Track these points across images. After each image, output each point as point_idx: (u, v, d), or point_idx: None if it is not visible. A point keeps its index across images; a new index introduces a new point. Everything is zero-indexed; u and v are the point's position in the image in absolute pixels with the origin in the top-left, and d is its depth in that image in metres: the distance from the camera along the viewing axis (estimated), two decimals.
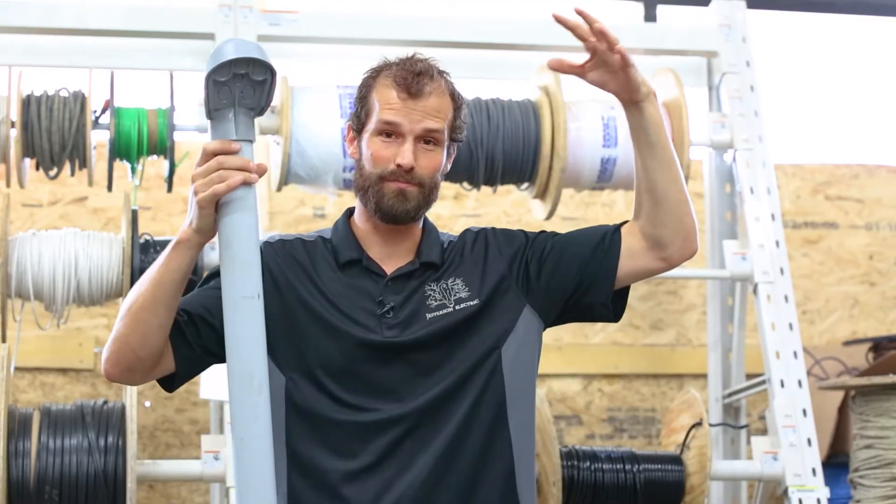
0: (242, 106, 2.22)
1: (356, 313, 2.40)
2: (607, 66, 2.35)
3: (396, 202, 2.40)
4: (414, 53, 2.46)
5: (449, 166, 2.49)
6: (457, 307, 2.41)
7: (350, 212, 2.52)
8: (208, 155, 2.24)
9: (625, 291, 2.49)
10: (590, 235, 2.48)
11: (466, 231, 2.54)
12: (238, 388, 2.18)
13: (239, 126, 2.22)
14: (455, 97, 2.46)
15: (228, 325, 2.19)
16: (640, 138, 2.39)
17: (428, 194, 2.43)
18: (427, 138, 2.40)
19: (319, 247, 2.47)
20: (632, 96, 2.37)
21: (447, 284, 2.43)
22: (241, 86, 2.20)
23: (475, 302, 2.42)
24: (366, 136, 2.43)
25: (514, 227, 5.60)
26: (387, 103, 2.40)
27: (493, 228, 2.54)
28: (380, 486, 2.34)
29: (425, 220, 2.51)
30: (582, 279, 2.45)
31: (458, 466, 2.36)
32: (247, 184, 2.22)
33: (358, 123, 2.45)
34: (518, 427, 2.42)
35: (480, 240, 2.51)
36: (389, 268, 2.44)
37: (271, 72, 2.22)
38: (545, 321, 2.48)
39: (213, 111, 2.22)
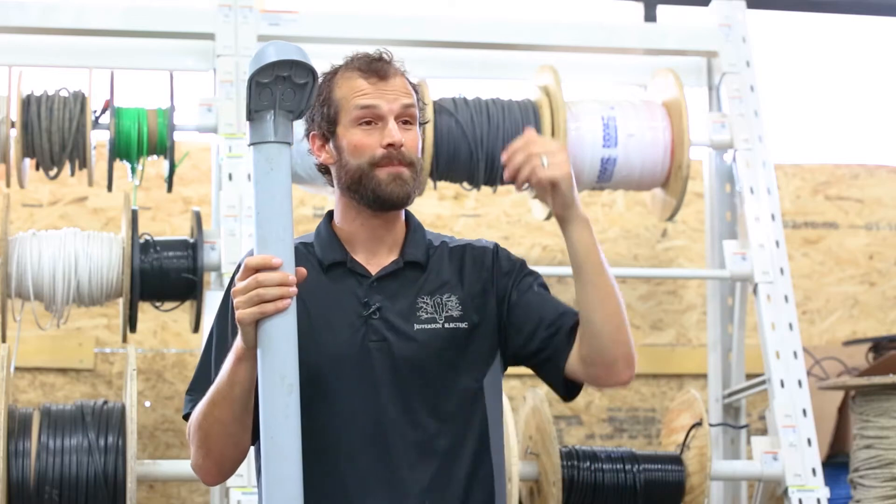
0: (282, 108, 2.23)
1: (339, 320, 2.37)
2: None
3: (395, 186, 2.37)
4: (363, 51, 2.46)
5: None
6: (446, 325, 2.38)
7: (330, 215, 2.48)
8: (249, 270, 2.20)
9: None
10: (549, 326, 2.41)
11: (470, 246, 2.48)
12: (270, 387, 2.20)
13: (278, 128, 2.23)
14: (410, 81, 2.45)
15: (261, 327, 2.21)
16: (571, 263, 2.33)
17: (418, 174, 2.40)
18: (405, 117, 2.39)
19: (301, 254, 2.42)
20: (559, 213, 2.32)
21: (441, 300, 2.40)
22: (283, 88, 2.21)
23: (464, 325, 2.39)
24: (342, 132, 2.40)
25: (514, 228, 5.62)
26: (358, 91, 2.38)
27: (499, 253, 2.48)
28: None
29: (410, 216, 2.48)
30: (535, 361, 2.42)
31: (447, 495, 2.34)
32: (287, 297, 2.20)
33: (327, 126, 2.41)
34: (497, 454, 2.41)
35: (487, 262, 2.46)
36: (374, 268, 2.41)
37: (313, 75, 2.22)
38: (503, 364, 2.47)
39: (254, 113, 2.22)
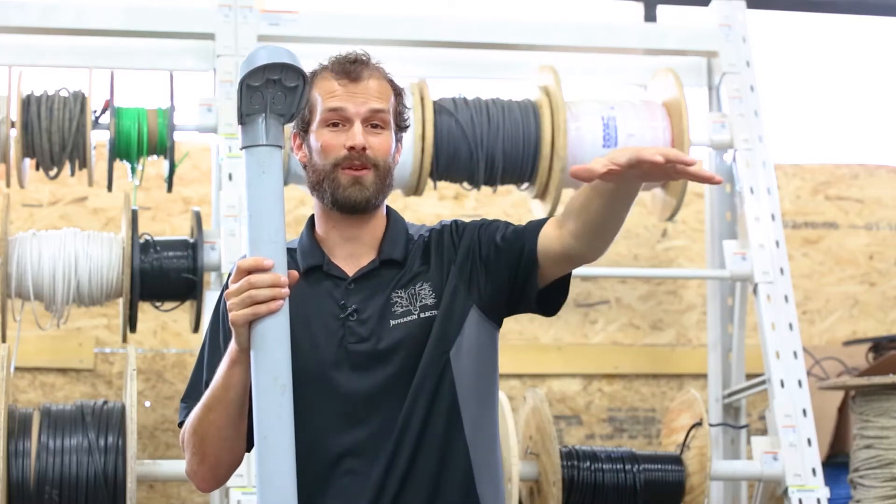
0: (273, 112, 2.23)
1: (317, 324, 2.38)
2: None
3: (353, 190, 2.37)
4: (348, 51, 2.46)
5: (399, 157, 2.46)
6: (421, 315, 2.39)
7: (312, 220, 2.49)
8: (242, 273, 2.21)
9: (563, 284, 2.43)
10: (517, 238, 2.41)
11: (433, 229, 2.49)
12: (263, 388, 2.22)
13: (269, 132, 2.24)
14: (393, 84, 2.45)
15: (255, 328, 2.22)
16: (625, 199, 2.26)
17: (384, 178, 2.40)
18: (374, 121, 2.39)
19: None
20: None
21: (415, 290, 2.40)
22: (273, 92, 2.22)
23: (439, 310, 2.40)
24: (312, 132, 2.41)
25: None
26: (329, 93, 2.39)
27: (455, 224, 2.48)
28: None
29: (389, 210, 2.48)
30: (513, 286, 2.41)
31: (417, 477, 2.35)
32: (280, 298, 2.21)
33: (302, 125, 2.43)
34: (474, 429, 2.40)
35: (446, 238, 2.46)
36: (352, 269, 2.42)
37: (304, 78, 2.23)
38: (495, 321, 2.45)
39: (245, 116, 2.23)
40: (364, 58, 2.43)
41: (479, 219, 2.49)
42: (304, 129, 2.43)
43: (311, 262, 2.43)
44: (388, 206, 2.48)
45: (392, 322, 2.38)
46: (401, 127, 2.45)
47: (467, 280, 2.42)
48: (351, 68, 2.40)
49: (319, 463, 2.35)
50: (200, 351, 2.46)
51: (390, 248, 2.43)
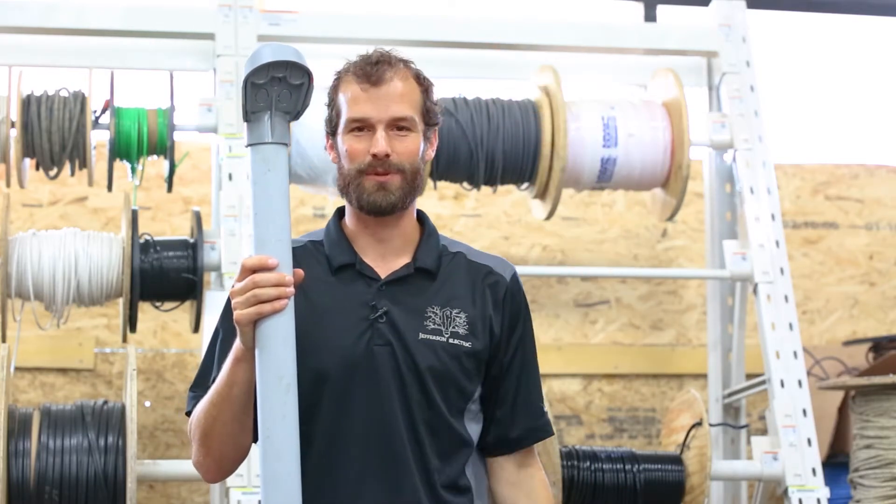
0: (279, 110, 2.24)
1: (346, 322, 2.38)
2: None
3: (378, 196, 2.37)
4: (374, 49, 2.44)
5: (432, 152, 2.47)
6: (451, 340, 2.39)
7: (340, 212, 2.50)
8: (246, 271, 2.22)
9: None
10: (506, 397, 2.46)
11: (490, 271, 2.47)
12: (268, 387, 2.21)
13: (274, 129, 2.24)
14: (421, 80, 2.45)
15: (259, 327, 2.21)
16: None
17: (412, 180, 2.41)
18: (398, 125, 2.39)
19: (310, 252, 2.44)
20: None
21: (450, 313, 2.40)
22: (279, 89, 2.22)
23: (468, 345, 2.40)
24: (339, 135, 2.41)
25: (514, 228, 5.59)
26: (352, 99, 2.39)
27: (513, 291, 2.47)
28: None
29: (426, 220, 2.49)
30: (486, 375, 2.45)
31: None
32: (284, 298, 2.21)
33: (331, 126, 2.43)
34: (477, 480, 2.45)
35: (499, 297, 2.45)
36: (384, 271, 2.41)
37: (309, 76, 2.23)
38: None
39: (250, 114, 2.23)
40: (386, 57, 2.41)
41: (525, 303, 2.49)
42: (332, 132, 2.43)
43: (342, 261, 2.42)
44: (422, 213, 2.49)
45: (421, 335, 2.38)
46: (430, 123, 2.44)
47: (489, 356, 2.44)
48: (372, 71, 2.39)
49: (330, 463, 2.35)
50: (211, 340, 2.45)
51: (425, 257, 2.43)
